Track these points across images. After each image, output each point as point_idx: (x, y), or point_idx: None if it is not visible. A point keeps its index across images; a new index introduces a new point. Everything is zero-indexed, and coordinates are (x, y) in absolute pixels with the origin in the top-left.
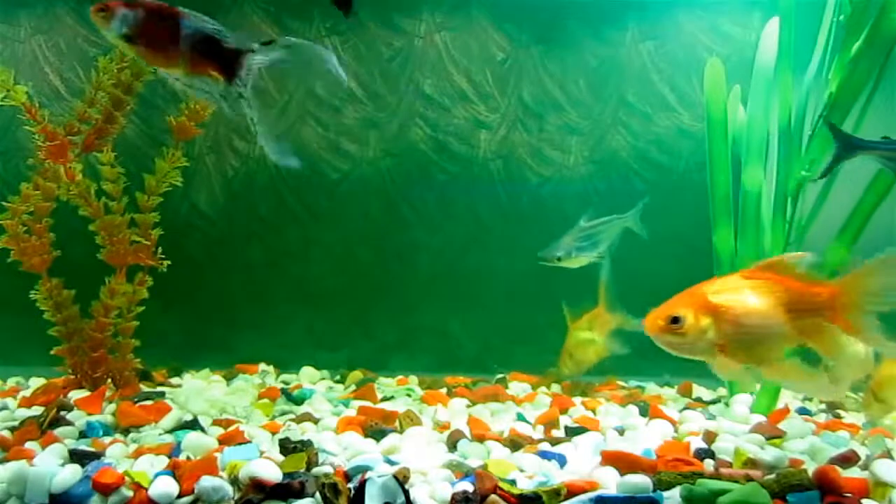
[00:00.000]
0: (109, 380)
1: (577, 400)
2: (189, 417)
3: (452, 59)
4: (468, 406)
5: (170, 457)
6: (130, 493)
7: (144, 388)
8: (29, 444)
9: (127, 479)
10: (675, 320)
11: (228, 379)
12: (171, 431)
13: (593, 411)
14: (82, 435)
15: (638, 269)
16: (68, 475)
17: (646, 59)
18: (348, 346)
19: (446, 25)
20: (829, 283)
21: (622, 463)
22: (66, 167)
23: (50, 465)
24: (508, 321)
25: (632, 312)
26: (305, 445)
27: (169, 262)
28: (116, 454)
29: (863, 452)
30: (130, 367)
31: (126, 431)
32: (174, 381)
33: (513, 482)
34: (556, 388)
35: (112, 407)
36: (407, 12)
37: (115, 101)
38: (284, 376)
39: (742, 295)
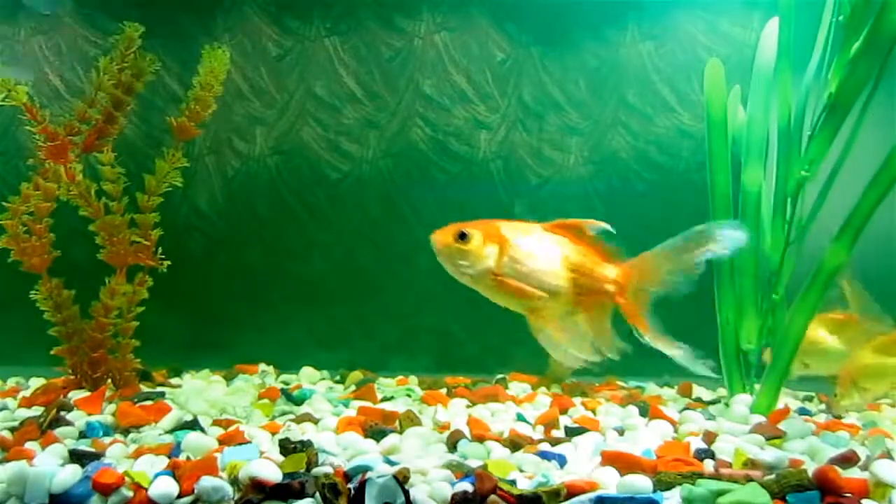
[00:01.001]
0: (109, 380)
1: (577, 400)
2: (189, 417)
3: (452, 59)
4: (468, 406)
5: (170, 457)
6: (130, 494)
7: (144, 388)
8: (29, 445)
9: (127, 479)
10: (463, 236)
11: (228, 379)
12: (170, 432)
13: (593, 411)
14: (82, 435)
15: None
16: (68, 475)
17: (646, 59)
18: (348, 346)
19: (446, 25)
20: (621, 263)
21: (622, 463)
22: (67, 167)
23: (50, 465)
24: (508, 321)
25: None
26: (305, 446)
27: (169, 263)
28: (116, 454)
29: (863, 452)
30: (130, 368)
31: (126, 431)
32: (174, 381)
33: (513, 482)
34: (556, 388)
35: (112, 407)
36: (407, 12)
37: (115, 102)
38: (284, 376)
39: (533, 238)
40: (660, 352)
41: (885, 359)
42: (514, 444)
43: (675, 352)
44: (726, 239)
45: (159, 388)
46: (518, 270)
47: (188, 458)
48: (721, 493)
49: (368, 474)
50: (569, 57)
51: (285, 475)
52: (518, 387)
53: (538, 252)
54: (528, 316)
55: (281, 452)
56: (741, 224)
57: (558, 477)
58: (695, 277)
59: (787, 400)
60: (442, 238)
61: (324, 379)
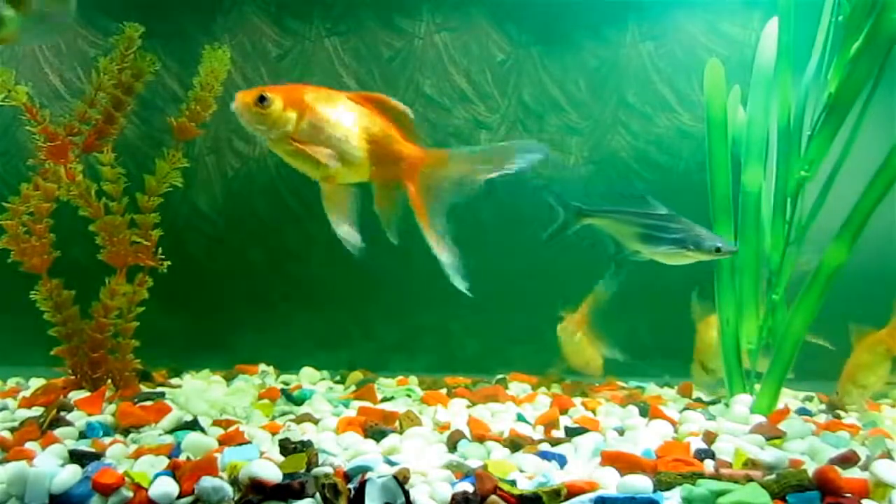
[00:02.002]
0: (109, 380)
1: (577, 400)
2: (189, 418)
3: (452, 60)
4: (468, 406)
5: (170, 457)
6: (130, 494)
7: (144, 388)
8: (29, 445)
9: (127, 479)
10: (262, 99)
11: (228, 379)
12: (171, 432)
13: (593, 412)
14: (82, 435)
15: (637, 269)
16: (68, 476)
17: (646, 59)
18: (348, 347)
19: (446, 26)
20: (420, 148)
21: (622, 463)
22: (67, 168)
23: (50, 465)
24: (508, 321)
25: (631, 312)
26: (305, 446)
27: (169, 263)
28: (116, 454)
29: (863, 453)
30: (130, 368)
31: (126, 432)
32: (174, 381)
33: (513, 483)
34: (556, 388)
35: (112, 407)
36: (407, 12)
37: (115, 102)
38: (284, 377)
39: (334, 107)
40: (660, 353)
41: (873, 356)
42: (514, 444)
43: (445, 256)
44: (525, 157)
45: (159, 389)
46: (315, 137)
47: (188, 458)
48: (721, 493)
49: (368, 474)
50: (569, 57)
51: (285, 475)
52: (518, 387)
53: (337, 120)
54: (321, 184)
55: (281, 453)
56: (542, 146)
57: (558, 477)
58: (477, 190)
59: (787, 400)
60: (244, 100)
61: (324, 379)
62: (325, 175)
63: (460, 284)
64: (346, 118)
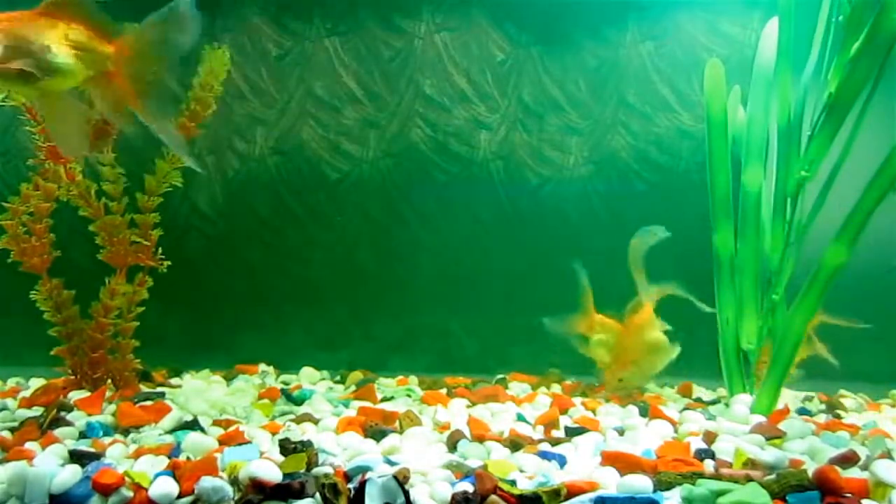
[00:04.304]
0: (109, 380)
1: (577, 400)
2: (189, 418)
3: (452, 60)
4: (468, 406)
5: (170, 457)
6: (130, 494)
7: (144, 388)
8: (29, 445)
9: (127, 479)
10: None
11: (228, 379)
12: (171, 432)
13: (593, 411)
14: (82, 435)
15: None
16: (68, 476)
17: (646, 59)
18: (348, 347)
19: (446, 26)
20: (115, 41)
21: (622, 463)
22: (67, 168)
23: (50, 465)
24: (508, 321)
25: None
26: (305, 446)
27: (169, 263)
28: (116, 454)
29: (863, 452)
30: (130, 368)
31: (126, 432)
32: (174, 381)
33: (513, 482)
34: (556, 388)
35: (112, 407)
36: (407, 12)
37: None
38: (284, 377)
39: (29, 23)
40: None
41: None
42: (514, 444)
43: (169, 138)
44: (180, 15)
45: (159, 389)
46: (18, 55)
47: (188, 458)
48: (721, 493)
49: (368, 474)
50: (569, 57)
51: (285, 475)
52: (518, 387)
53: (36, 34)
54: (40, 102)
55: (281, 452)
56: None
57: (558, 477)
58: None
59: (787, 400)
60: None
61: (324, 379)
62: (40, 90)
63: (192, 163)
64: (43, 30)
